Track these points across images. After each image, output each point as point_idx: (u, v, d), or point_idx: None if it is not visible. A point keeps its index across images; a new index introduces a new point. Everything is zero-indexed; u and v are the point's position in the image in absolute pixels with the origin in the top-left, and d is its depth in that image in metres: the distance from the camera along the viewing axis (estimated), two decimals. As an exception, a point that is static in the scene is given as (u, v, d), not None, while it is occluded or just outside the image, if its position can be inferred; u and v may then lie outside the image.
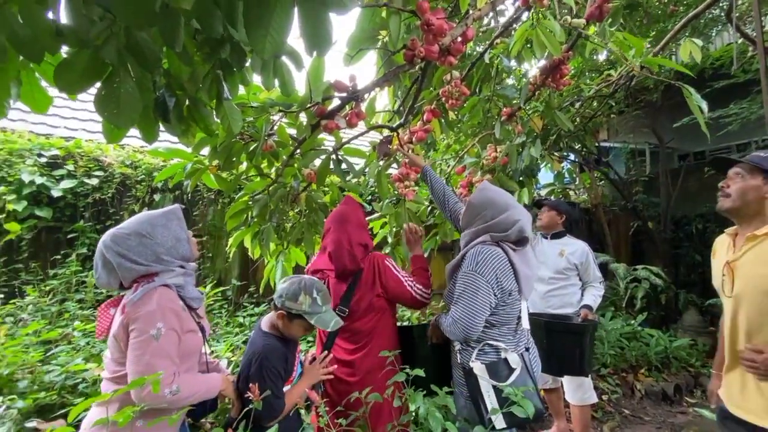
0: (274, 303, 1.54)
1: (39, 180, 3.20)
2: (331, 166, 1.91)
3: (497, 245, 1.55)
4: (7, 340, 2.27)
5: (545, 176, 5.84)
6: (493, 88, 2.62)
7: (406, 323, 3.44)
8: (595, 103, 3.57)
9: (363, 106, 1.85)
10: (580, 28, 1.97)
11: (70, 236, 3.32)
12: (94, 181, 3.42)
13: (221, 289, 3.69)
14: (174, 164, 2.05)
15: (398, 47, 1.60)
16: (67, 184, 3.31)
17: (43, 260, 3.24)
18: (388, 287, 1.72)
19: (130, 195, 3.58)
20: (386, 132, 2.19)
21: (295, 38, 1.59)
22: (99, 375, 2.05)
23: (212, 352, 2.61)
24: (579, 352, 2.23)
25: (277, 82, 1.55)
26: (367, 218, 2.44)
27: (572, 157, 5.21)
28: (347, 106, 1.78)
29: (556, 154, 2.90)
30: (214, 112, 1.39)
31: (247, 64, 1.42)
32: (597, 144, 5.42)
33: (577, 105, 3.38)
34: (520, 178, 3.04)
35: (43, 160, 3.33)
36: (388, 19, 1.55)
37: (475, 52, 2.73)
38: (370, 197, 3.81)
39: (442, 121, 2.41)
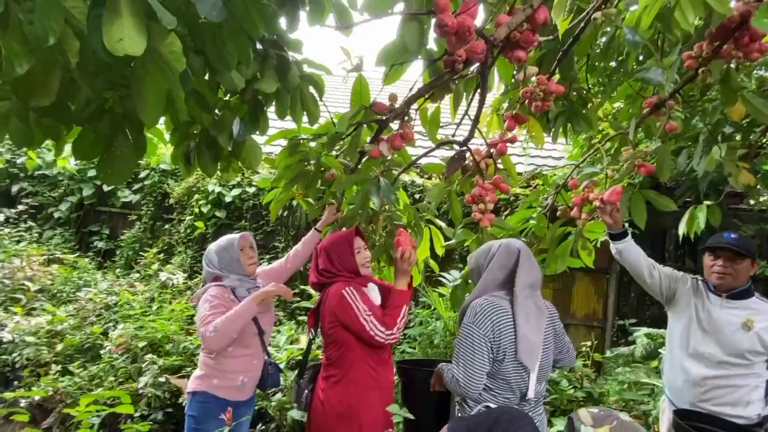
0: None
1: (217, 189, 4.14)
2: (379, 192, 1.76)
3: (502, 298, 1.43)
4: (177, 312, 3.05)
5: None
6: (631, 66, 1.90)
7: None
8: None
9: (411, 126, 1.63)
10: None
11: (235, 231, 4.20)
12: (252, 189, 4.19)
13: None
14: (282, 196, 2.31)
15: (427, 54, 1.33)
16: (234, 191, 4.18)
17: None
18: (342, 319, 1.56)
19: (276, 200, 4.25)
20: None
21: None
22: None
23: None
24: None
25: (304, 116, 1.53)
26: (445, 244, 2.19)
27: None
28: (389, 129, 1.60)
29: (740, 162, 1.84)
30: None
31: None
32: None
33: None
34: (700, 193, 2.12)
35: (222, 173, 4.28)
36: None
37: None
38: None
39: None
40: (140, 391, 2.35)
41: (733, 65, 1.59)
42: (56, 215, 4.56)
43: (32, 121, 1.05)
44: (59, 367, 2.62)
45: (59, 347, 2.74)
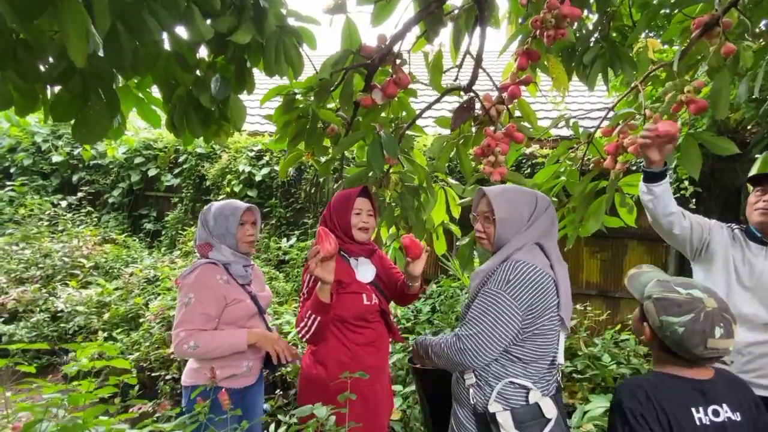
0: None
1: (248, 168, 4.23)
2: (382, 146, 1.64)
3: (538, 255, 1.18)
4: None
5: None
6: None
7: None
8: None
9: (405, 70, 1.48)
10: None
11: (265, 210, 4.28)
12: (291, 172, 4.24)
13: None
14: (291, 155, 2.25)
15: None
16: (264, 171, 4.24)
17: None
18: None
19: (304, 178, 4.26)
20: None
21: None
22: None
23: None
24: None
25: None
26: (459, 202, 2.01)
27: None
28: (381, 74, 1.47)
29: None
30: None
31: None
32: None
33: None
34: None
35: (252, 153, 4.36)
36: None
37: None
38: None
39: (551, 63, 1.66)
40: (171, 356, 2.48)
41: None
42: (110, 201, 4.94)
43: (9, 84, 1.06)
44: (105, 334, 2.84)
45: (106, 316, 2.97)
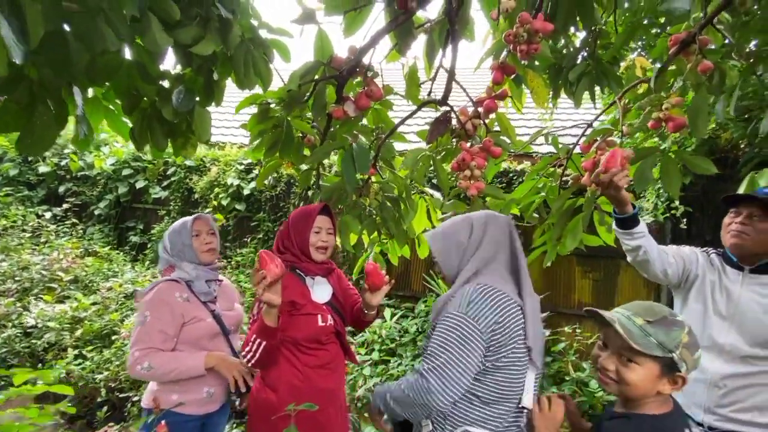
0: None
1: (237, 182, 4.19)
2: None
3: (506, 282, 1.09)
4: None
5: None
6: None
7: None
8: None
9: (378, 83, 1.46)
10: None
11: (253, 223, 4.23)
12: (269, 181, 4.19)
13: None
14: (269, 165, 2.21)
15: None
16: (253, 184, 4.21)
17: (241, 240, 4.29)
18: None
19: (293, 192, 4.22)
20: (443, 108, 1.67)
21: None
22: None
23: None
24: None
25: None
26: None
27: None
28: (355, 87, 1.44)
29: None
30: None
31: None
32: None
33: None
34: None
35: (241, 167, 4.33)
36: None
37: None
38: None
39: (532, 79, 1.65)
40: (141, 375, 2.38)
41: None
42: (97, 212, 4.88)
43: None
44: (76, 351, 2.73)
45: (79, 332, 2.87)
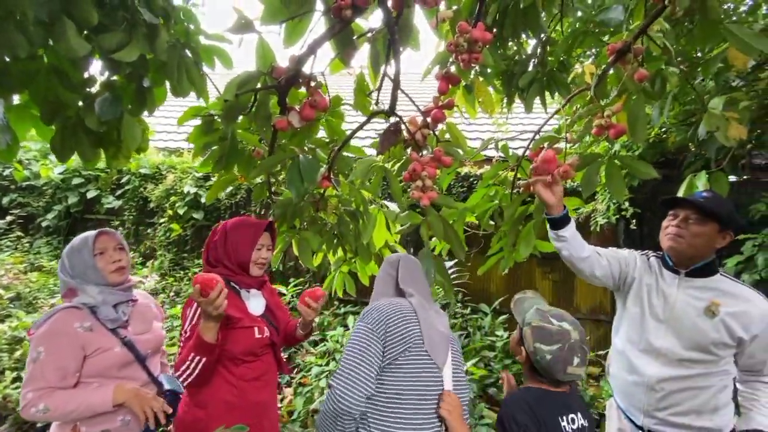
0: None
1: (194, 190, 4.04)
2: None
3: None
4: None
5: None
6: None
7: None
8: None
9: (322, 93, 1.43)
10: None
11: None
12: (230, 189, 4.07)
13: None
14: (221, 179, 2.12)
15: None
16: (212, 192, 4.06)
17: (199, 250, 4.12)
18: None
19: (253, 200, 4.12)
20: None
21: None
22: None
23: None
24: None
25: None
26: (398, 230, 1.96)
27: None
28: (298, 97, 1.41)
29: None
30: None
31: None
32: None
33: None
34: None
35: (199, 174, 4.18)
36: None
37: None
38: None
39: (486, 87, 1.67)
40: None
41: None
42: (44, 224, 4.59)
43: None
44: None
45: (18, 354, 2.68)
